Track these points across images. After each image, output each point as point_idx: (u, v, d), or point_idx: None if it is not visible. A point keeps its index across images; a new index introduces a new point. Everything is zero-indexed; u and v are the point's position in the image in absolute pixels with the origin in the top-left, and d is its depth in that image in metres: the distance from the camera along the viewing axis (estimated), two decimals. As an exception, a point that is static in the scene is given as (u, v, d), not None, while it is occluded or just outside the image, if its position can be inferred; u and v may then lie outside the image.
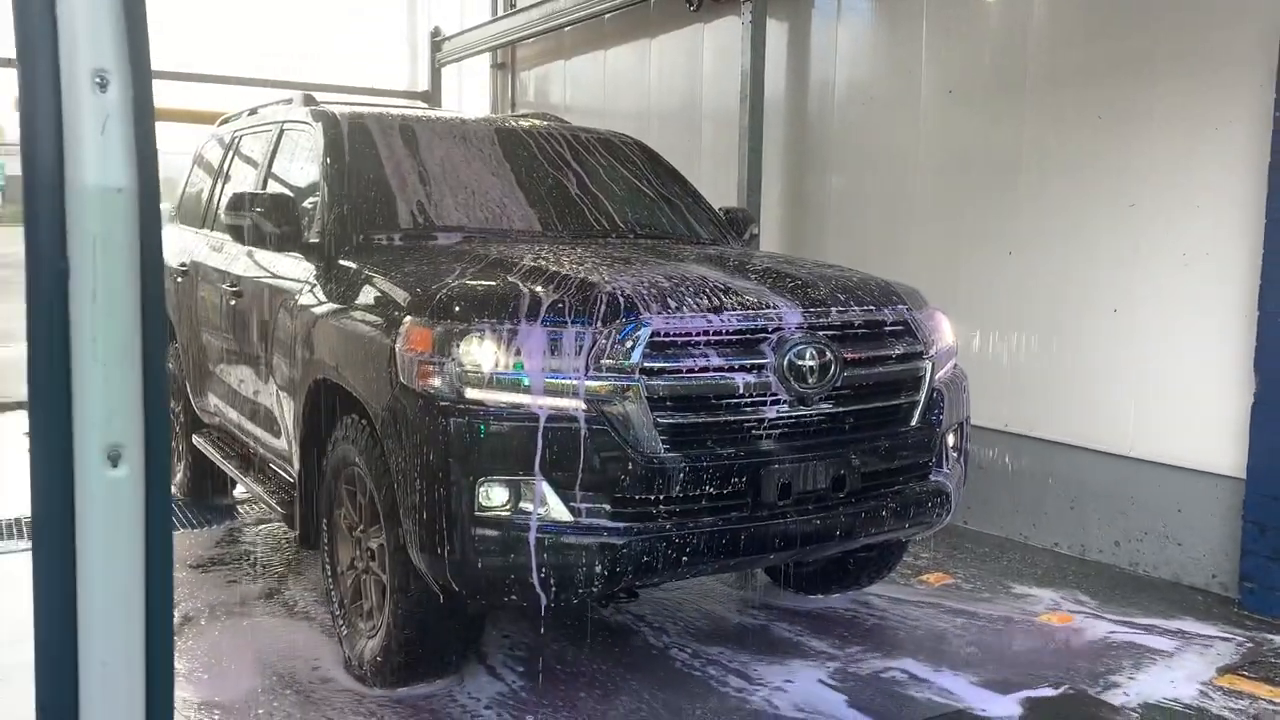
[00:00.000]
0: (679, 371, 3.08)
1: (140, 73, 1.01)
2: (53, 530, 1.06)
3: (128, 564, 1.06)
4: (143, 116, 1.02)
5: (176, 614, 4.11)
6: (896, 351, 3.50)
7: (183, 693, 3.44)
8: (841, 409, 3.33)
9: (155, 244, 1.00)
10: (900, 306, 3.60)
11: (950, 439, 3.68)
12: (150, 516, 1.01)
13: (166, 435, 1.01)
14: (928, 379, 3.57)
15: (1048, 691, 3.53)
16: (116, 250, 1.04)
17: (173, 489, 5.84)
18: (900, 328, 3.55)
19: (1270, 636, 4.03)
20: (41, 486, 1.06)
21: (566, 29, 8.43)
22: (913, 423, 3.53)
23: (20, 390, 8.69)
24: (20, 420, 7.73)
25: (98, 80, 1.03)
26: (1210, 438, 4.45)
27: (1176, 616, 4.23)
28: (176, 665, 3.65)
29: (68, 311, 1.04)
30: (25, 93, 1.04)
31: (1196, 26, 4.44)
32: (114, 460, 1.04)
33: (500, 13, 9.39)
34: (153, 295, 1.01)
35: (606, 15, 7.86)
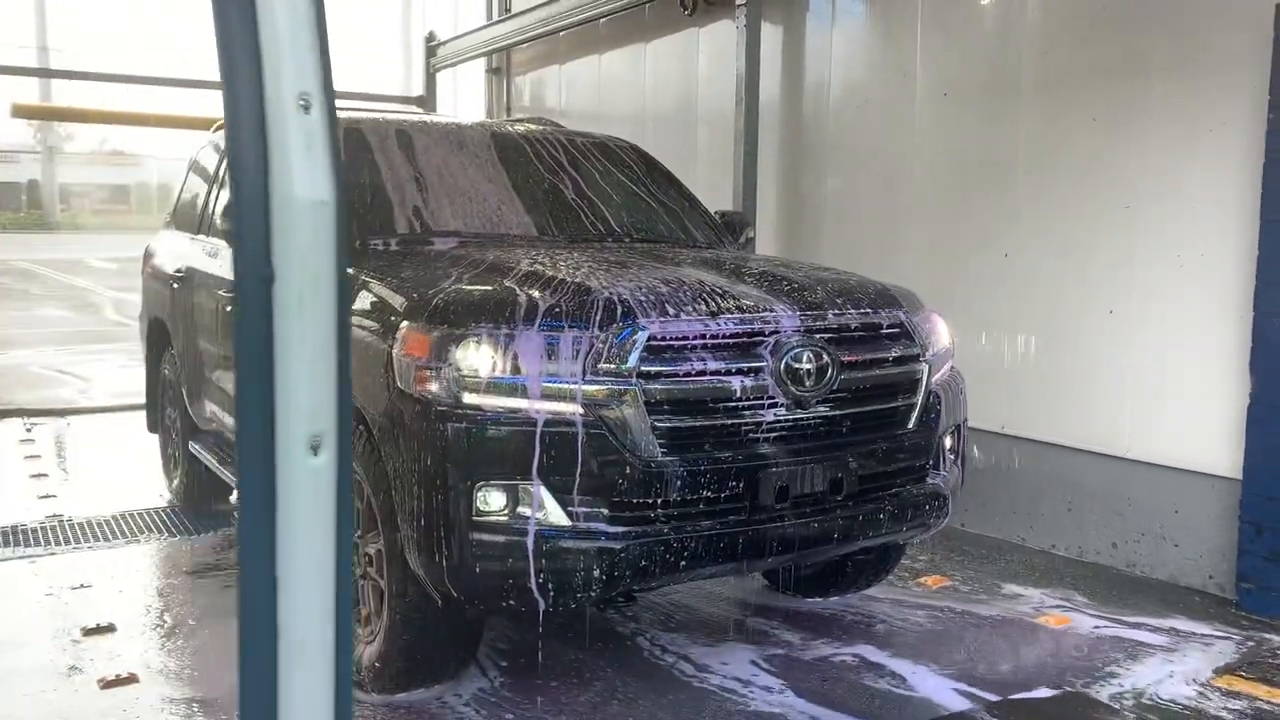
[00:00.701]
0: (676, 375, 3.09)
1: (329, 96, 1.11)
2: (257, 516, 1.16)
3: (324, 546, 1.17)
4: (333, 136, 1.11)
5: (170, 619, 4.11)
6: (893, 354, 3.50)
7: (175, 695, 3.44)
8: (839, 412, 3.34)
9: (344, 252, 1.10)
10: (897, 309, 3.60)
11: (947, 441, 3.68)
12: (339, 501, 1.11)
13: (350, 425, 1.12)
14: (924, 382, 3.58)
15: (1044, 692, 3.53)
16: (321, 258, 1.15)
17: (169, 496, 5.83)
18: (897, 330, 3.56)
19: (1268, 636, 4.04)
20: (248, 474, 1.16)
21: (561, 34, 8.44)
22: (910, 425, 3.53)
23: (15, 398, 8.66)
24: (13, 429, 7.71)
25: (301, 103, 1.12)
26: (1206, 439, 4.46)
27: (1173, 617, 4.24)
28: (171, 672, 3.64)
29: (273, 314, 1.13)
30: (231, 114, 1.14)
31: (1191, 28, 4.46)
32: (315, 449, 1.15)
33: (495, 17, 9.40)
34: (344, 299, 1.12)
35: (601, 20, 7.87)
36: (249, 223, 1.15)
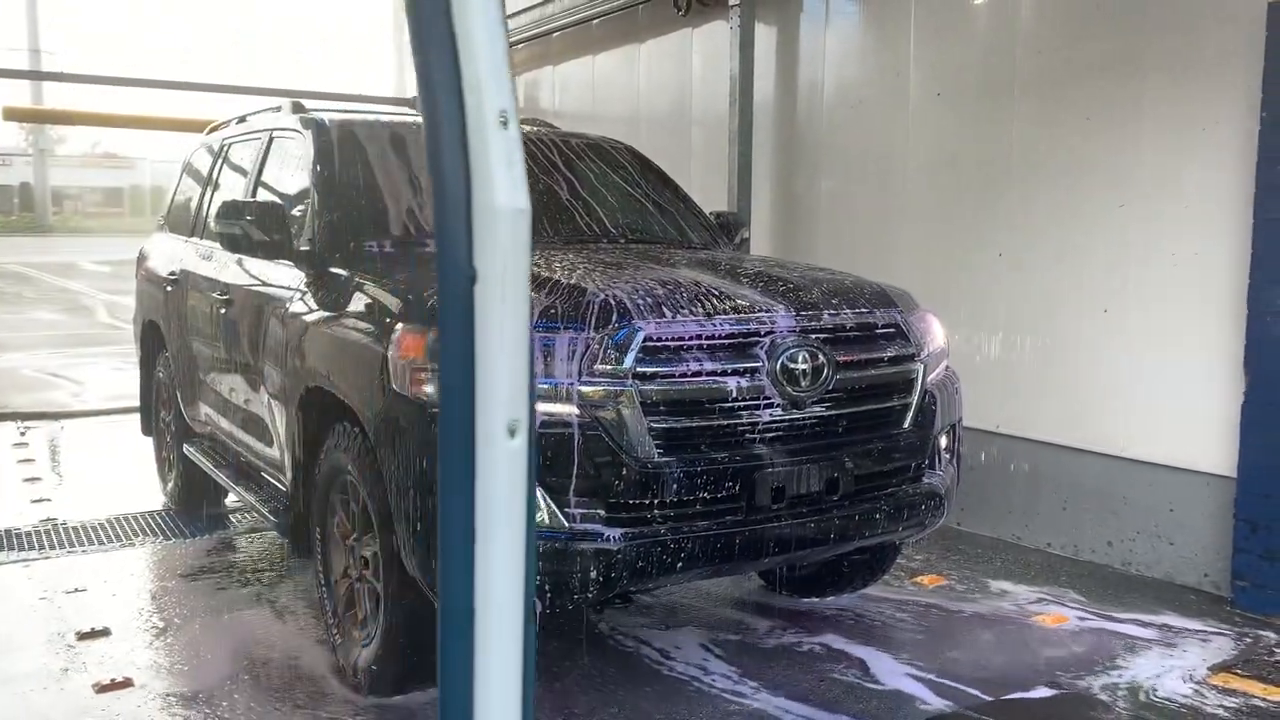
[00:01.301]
0: (672, 376, 3.08)
1: (514, 112, 1.25)
2: (458, 495, 1.28)
3: (518, 524, 1.28)
4: (522, 150, 1.26)
5: (165, 623, 4.10)
6: (889, 354, 3.51)
7: (170, 699, 3.43)
8: (835, 412, 3.34)
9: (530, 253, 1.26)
10: (892, 309, 3.60)
11: (943, 441, 3.69)
12: (528, 481, 1.24)
13: (535, 409, 1.29)
14: (920, 381, 3.58)
15: (1040, 691, 3.54)
16: (519, 259, 1.28)
17: (164, 499, 5.82)
18: (892, 330, 3.56)
19: (1263, 634, 4.05)
20: (449, 456, 1.28)
21: (555, 34, 8.44)
22: (905, 425, 3.54)
23: (8, 401, 8.62)
24: (7, 432, 7.69)
25: (501, 120, 1.25)
26: (1201, 437, 4.47)
27: (1169, 615, 4.24)
28: (166, 676, 3.63)
29: (473, 311, 1.26)
30: (433, 130, 1.27)
31: (1184, 27, 4.47)
32: (512, 432, 1.26)
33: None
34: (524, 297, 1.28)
35: (595, 21, 7.87)
36: (452, 228, 1.29)
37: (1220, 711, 3.41)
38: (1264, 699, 3.50)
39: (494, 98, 1.30)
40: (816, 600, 4.37)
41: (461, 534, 1.29)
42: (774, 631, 4.06)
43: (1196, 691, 3.55)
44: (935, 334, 3.76)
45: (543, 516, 2.98)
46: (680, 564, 3.11)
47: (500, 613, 1.29)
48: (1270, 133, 4.12)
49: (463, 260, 1.29)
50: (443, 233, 1.30)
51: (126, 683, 3.55)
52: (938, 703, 3.47)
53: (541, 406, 2.98)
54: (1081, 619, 4.21)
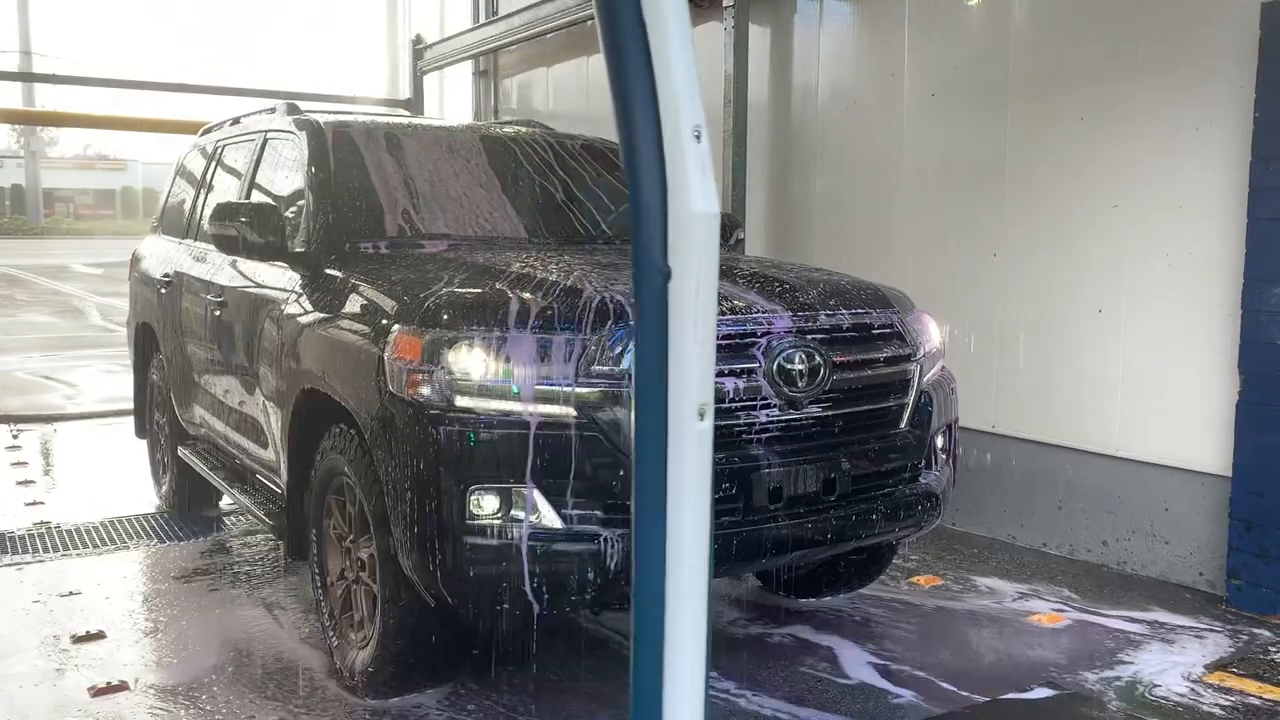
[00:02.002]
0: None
1: (705, 126, 1.39)
2: (652, 471, 1.44)
3: (704, 494, 1.43)
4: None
5: (161, 626, 4.08)
6: (885, 355, 3.51)
7: (166, 702, 3.42)
8: (831, 413, 3.34)
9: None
10: (888, 310, 3.61)
11: (939, 441, 3.69)
12: (709, 460, 1.41)
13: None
14: (916, 382, 3.58)
15: (1037, 690, 3.54)
16: (710, 259, 1.44)
17: (158, 501, 5.80)
18: (888, 331, 3.56)
19: (1258, 632, 4.06)
20: (645, 435, 1.46)
21: (548, 36, 8.43)
22: (901, 425, 3.54)
23: (1, 404, 8.59)
24: (0, 436, 7.66)
25: (695, 133, 1.39)
26: (1196, 436, 4.48)
27: (1164, 614, 4.25)
28: (161, 680, 3.62)
29: (667, 305, 1.42)
30: (629, 141, 1.43)
31: (1177, 27, 4.48)
32: (701, 415, 1.42)
33: (482, 20, 9.39)
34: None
35: (588, 21, 7.87)
36: (649, 230, 1.45)
37: (1216, 710, 3.42)
38: (1259, 697, 3.51)
39: (689, 114, 1.46)
40: (813, 601, 4.37)
41: (655, 503, 1.47)
42: (770, 632, 4.06)
43: (1192, 690, 3.56)
44: (931, 334, 3.76)
45: (540, 517, 2.98)
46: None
47: (688, 569, 1.46)
48: (1263, 132, 4.13)
49: (659, 259, 1.45)
50: (640, 234, 1.46)
51: (122, 686, 3.54)
52: (933, 704, 3.47)
53: (538, 407, 2.98)
54: (1077, 618, 4.21)
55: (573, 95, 8.47)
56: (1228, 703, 3.47)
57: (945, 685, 3.60)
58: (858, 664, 3.78)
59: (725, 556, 3.15)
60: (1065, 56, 4.90)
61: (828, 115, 6.13)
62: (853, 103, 5.97)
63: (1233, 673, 3.71)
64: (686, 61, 1.48)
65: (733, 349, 3.18)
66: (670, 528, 1.48)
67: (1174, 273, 4.54)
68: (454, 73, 10.06)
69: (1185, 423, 4.53)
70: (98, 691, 3.49)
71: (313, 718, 3.34)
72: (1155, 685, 3.60)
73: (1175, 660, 3.80)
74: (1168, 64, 4.51)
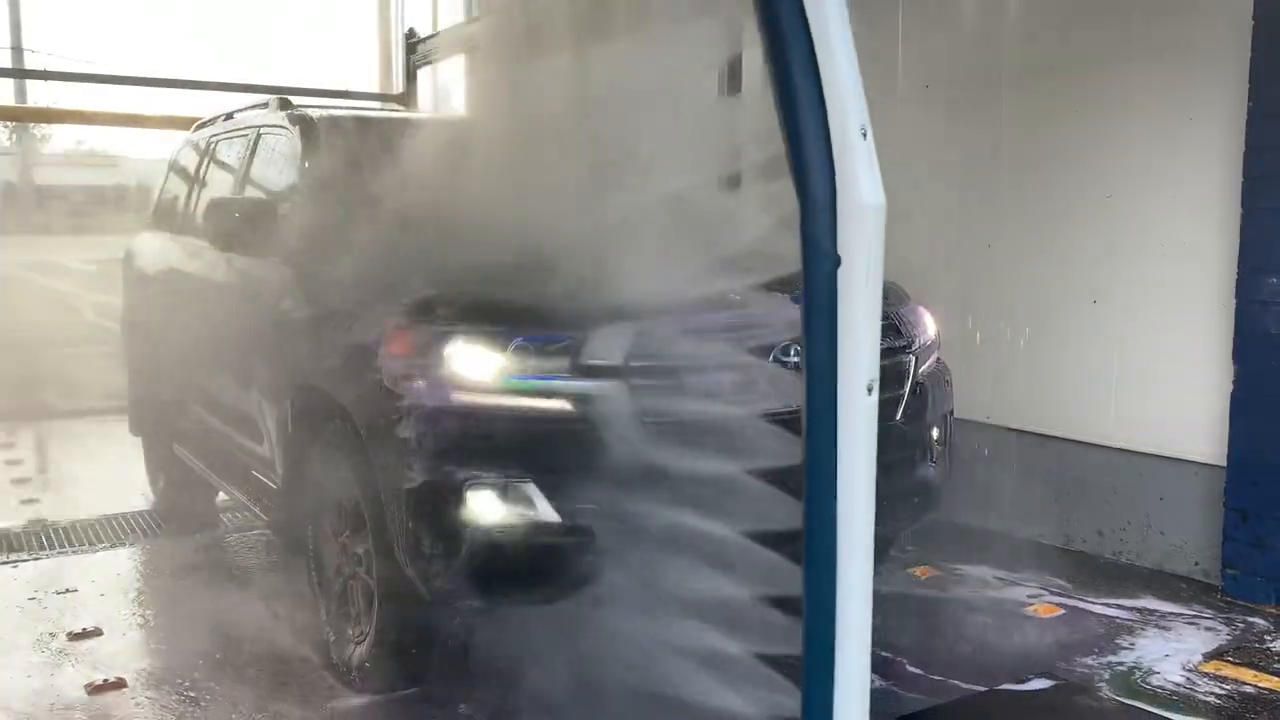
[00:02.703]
0: (663, 371, 3.08)
1: (869, 125, 1.56)
2: (823, 443, 1.57)
3: (870, 462, 1.57)
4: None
5: (157, 623, 4.08)
6: (881, 347, 3.50)
7: (164, 698, 3.42)
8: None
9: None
10: (883, 301, 3.60)
11: (935, 432, 3.69)
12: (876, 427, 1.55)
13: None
14: (911, 374, 3.58)
15: (1033, 680, 3.55)
16: (879, 246, 1.56)
17: (153, 498, 5.78)
18: (884, 323, 3.56)
19: (1253, 621, 4.07)
20: (816, 410, 1.58)
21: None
22: (897, 418, 3.54)
23: (4, 401, 8.56)
24: (-4, 432, 7.64)
25: (862, 132, 1.54)
26: (1191, 426, 4.49)
27: (1160, 604, 4.26)
28: (159, 676, 3.62)
29: (836, 289, 1.55)
30: (796, 139, 1.57)
31: (1171, 17, 4.47)
32: (869, 390, 1.55)
33: (475, 14, 9.35)
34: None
35: (582, 15, 7.83)
36: (820, 221, 1.59)
37: (1211, 699, 3.43)
38: (1254, 685, 3.52)
39: (855, 115, 1.62)
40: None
41: (826, 470, 1.62)
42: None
43: (1188, 679, 3.57)
44: (926, 326, 3.76)
45: (537, 512, 2.98)
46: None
47: (857, 528, 1.62)
48: (1257, 122, 4.13)
49: (829, 248, 1.59)
50: (809, 224, 1.60)
51: (119, 683, 3.53)
52: (928, 695, 3.48)
53: (534, 402, 2.97)
54: (1072, 608, 4.22)
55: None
56: (1223, 691, 3.48)
57: (940, 676, 3.60)
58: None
59: (722, 549, 3.16)
60: (1059, 47, 4.89)
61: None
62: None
63: (1228, 661, 3.72)
64: (851, 66, 1.65)
65: (730, 341, 3.18)
66: (841, 494, 1.63)
67: (1168, 263, 4.54)
68: (447, 67, 10.02)
69: (1180, 413, 4.54)
70: (95, 689, 3.49)
71: (310, 713, 3.34)
72: (1151, 674, 3.61)
73: (1171, 649, 3.81)
74: (1162, 54, 4.50)
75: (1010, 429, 5.22)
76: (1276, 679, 3.58)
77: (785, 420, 3.24)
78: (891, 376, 3.53)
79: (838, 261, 1.60)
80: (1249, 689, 3.50)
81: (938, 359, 3.86)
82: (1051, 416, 5.03)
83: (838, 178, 1.59)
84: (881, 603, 3.91)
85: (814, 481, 1.63)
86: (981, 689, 3.50)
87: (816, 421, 1.61)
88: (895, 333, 3.57)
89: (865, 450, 1.63)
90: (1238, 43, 4.21)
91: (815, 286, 1.61)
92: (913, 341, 3.61)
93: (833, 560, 1.64)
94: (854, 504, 1.61)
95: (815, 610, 1.64)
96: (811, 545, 1.65)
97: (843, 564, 1.64)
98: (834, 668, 1.70)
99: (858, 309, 1.61)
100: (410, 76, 10.02)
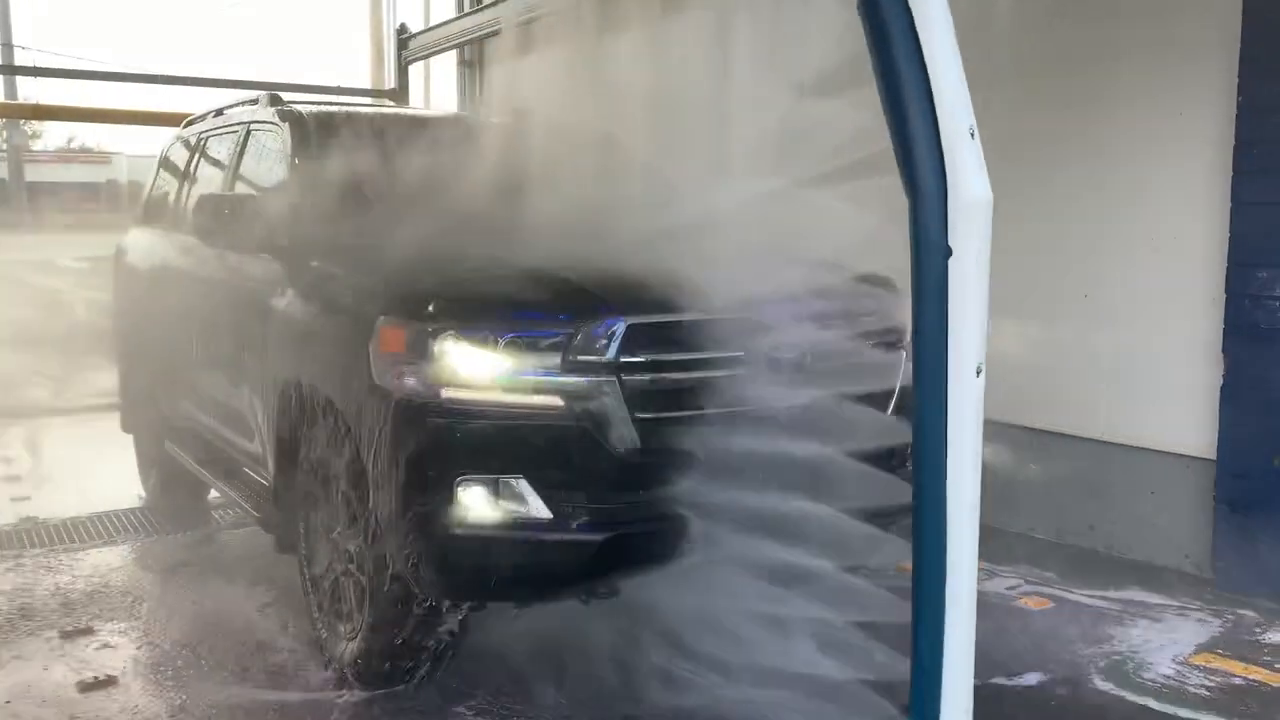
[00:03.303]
0: (655, 366, 3.07)
1: (975, 126, 1.82)
2: (935, 421, 1.77)
3: (977, 438, 1.81)
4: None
5: (148, 620, 4.07)
6: (871, 341, 3.51)
7: (154, 696, 3.41)
8: (818, 399, 3.33)
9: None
10: (874, 296, 3.60)
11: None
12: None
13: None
14: (902, 367, 3.58)
15: (1026, 674, 3.55)
16: (987, 238, 1.70)
17: (145, 496, 5.77)
18: (874, 317, 3.56)
19: (1243, 613, 4.09)
20: (927, 390, 1.78)
21: (534, 24, 8.38)
22: (888, 411, 3.54)
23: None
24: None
25: (970, 133, 1.73)
26: (1181, 420, 4.50)
27: (1151, 596, 4.28)
28: (149, 673, 3.61)
29: (948, 278, 1.71)
30: (904, 139, 1.76)
31: (1161, 11, 4.47)
32: (978, 372, 1.73)
33: (466, 9, 9.33)
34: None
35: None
36: (930, 215, 1.77)
37: (1202, 691, 3.45)
38: (1244, 678, 3.54)
39: (964, 117, 1.82)
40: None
41: (937, 443, 1.82)
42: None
43: (1179, 671, 3.59)
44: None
45: (528, 508, 2.98)
46: (665, 555, 3.11)
47: (965, 497, 1.85)
48: (1246, 116, 4.14)
49: (940, 240, 1.77)
50: (920, 218, 1.78)
51: (110, 680, 3.53)
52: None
53: (524, 398, 2.97)
54: (1064, 602, 4.23)
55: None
56: (1213, 683, 3.50)
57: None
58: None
59: (713, 544, 3.16)
60: (1048, 41, 4.88)
61: (809, 99, 6.10)
62: (835, 87, 5.94)
63: (1218, 654, 3.73)
64: (958, 71, 1.86)
65: (719, 336, 3.18)
66: (950, 466, 1.84)
67: (1159, 257, 4.55)
68: (439, 62, 10.00)
69: (1170, 406, 4.55)
70: (86, 686, 3.48)
71: (302, 710, 3.34)
72: (1142, 667, 3.62)
73: (1162, 642, 3.83)
74: (1152, 48, 4.50)
75: (1001, 422, 5.22)
76: (1266, 671, 3.59)
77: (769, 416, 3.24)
78: (883, 370, 3.53)
79: (949, 253, 1.77)
80: (1238, 681, 3.52)
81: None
82: (1042, 410, 5.03)
83: (948, 176, 1.76)
84: (869, 597, 3.90)
85: (926, 455, 1.87)
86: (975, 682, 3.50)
87: (928, 400, 1.83)
88: (887, 326, 3.57)
89: (973, 427, 1.87)
90: (1227, 37, 4.22)
91: (927, 276, 1.80)
92: (904, 335, 3.61)
93: (943, 527, 1.89)
94: (963, 475, 1.86)
95: (927, 574, 1.94)
96: (921, 514, 1.87)
97: (952, 530, 1.90)
98: (944, 631, 2.01)
99: (969, 296, 1.80)
100: (402, 72, 9.99)
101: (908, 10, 1.80)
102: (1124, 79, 4.60)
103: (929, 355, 1.82)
